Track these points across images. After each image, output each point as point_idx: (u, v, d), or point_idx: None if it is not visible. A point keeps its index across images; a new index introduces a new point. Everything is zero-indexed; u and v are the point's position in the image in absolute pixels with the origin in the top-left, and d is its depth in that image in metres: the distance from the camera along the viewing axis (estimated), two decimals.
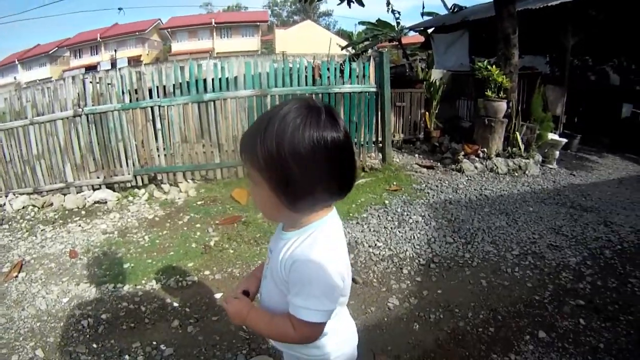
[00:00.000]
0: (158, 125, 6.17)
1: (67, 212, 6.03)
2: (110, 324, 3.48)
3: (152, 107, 6.04)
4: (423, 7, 15.68)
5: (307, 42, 35.69)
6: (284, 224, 1.29)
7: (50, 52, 46.72)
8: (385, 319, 3.00)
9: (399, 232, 4.51)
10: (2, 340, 3.43)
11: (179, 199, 5.98)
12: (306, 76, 6.30)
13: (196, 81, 6.04)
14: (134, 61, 38.18)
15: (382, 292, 3.32)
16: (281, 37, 43.05)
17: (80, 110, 6.05)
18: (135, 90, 6.13)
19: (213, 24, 44.95)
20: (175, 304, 3.61)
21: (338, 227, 1.25)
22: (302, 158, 1.04)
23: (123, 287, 3.98)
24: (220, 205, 5.62)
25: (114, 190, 6.28)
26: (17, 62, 47.88)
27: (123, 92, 6.02)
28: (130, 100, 6.05)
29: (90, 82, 6.12)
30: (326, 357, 1.39)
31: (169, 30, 46.35)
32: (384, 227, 4.64)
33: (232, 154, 6.34)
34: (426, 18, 14.65)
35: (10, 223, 5.97)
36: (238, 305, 1.35)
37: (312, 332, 1.21)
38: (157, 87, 6.02)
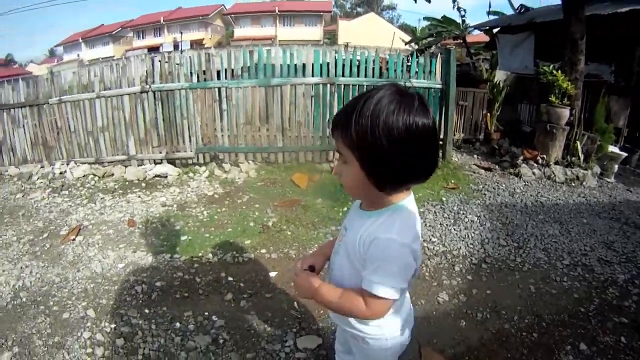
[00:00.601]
0: (224, 106, 6.34)
1: (127, 183, 6.30)
2: (164, 291, 3.54)
3: (219, 88, 6.28)
4: (489, 6, 15.15)
5: (370, 34, 35.46)
6: (364, 203, 1.38)
7: (114, 33, 49.77)
8: (434, 313, 3.08)
9: (454, 229, 4.52)
10: (55, 298, 3.58)
11: (239, 178, 6.09)
12: (373, 68, 6.21)
13: (264, 66, 6.20)
14: (197, 44, 39.69)
15: (433, 287, 3.40)
16: (344, 29, 42.93)
17: (148, 87, 6.35)
18: (204, 72, 6.35)
19: (276, 11, 45.33)
20: (230, 278, 3.63)
21: (415, 211, 1.32)
22: (394, 139, 1.10)
23: (179, 258, 4.05)
24: (280, 188, 5.67)
25: (174, 166, 6.51)
26: (80, 41, 51.39)
27: (191, 73, 6.30)
28: (198, 80, 6.32)
29: (159, 61, 6.43)
30: (383, 337, 1.47)
31: (232, 15, 47.54)
32: (440, 224, 4.64)
33: (294, 139, 6.40)
34: (492, 17, 14.16)
35: (70, 189, 6.30)
36: (308, 279, 1.43)
37: (383, 307, 1.28)
38: (225, 69, 6.27)
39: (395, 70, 6.34)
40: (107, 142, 6.75)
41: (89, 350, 2.92)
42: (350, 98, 5.75)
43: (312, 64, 6.15)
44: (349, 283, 1.37)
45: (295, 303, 3.20)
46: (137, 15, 48.30)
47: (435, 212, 4.90)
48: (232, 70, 6.27)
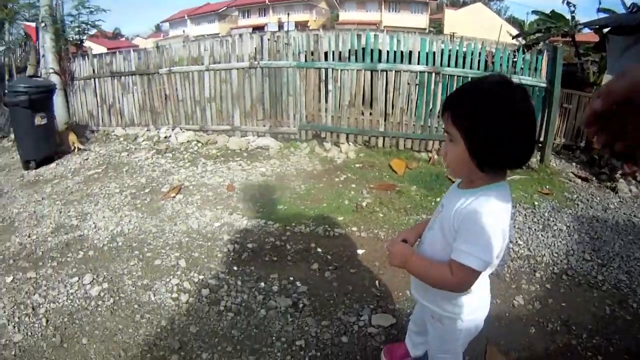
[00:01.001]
0: (330, 87, 6.52)
1: (229, 151, 6.71)
2: (254, 253, 3.75)
3: (326, 69, 6.50)
4: (599, 3, 13.90)
5: (476, 25, 33.96)
6: (463, 182, 1.47)
7: (220, 11, 52.60)
8: (507, 314, 3.05)
9: (541, 235, 4.31)
10: (150, 246, 3.96)
11: (338, 158, 6.22)
12: (479, 61, 6.02)
13: (371, 50, 6.30)
14: (301, 26, 40.48)
15: (511, 289, 3.35)
16: (450, 18, 41.42)
17: (257, 63, 6.75)
18: (312, 52, 6.59)
19: None
20: (319, 250, 3.75)
21: (508, 196, 1.39)
22: (500, 123, 1.22)
23: (273, 224, 4.26)
24: (377, 172, 5.69)
25: (276, 140, 6.84)
26: (186, 18, 55.05)
27: (299, 52, 6.61)
28: (306, 60, 6.59)
29: (268, 39, 6.78)
30: (460, 317, 1.57)
31: None
32: (528, 227, 4.43)
33: (396, 125, 6.37)
34: (602, 15, 12.98)
35: (173, 152, 6.87)
36: (402, 248, 1.56)
37: (467, 278, 1.36)
38: (333, 52, 6.47)
39: (500, 65, 6.10)
40: (213, 112, 7.28)
41: (175, 295, 3.19)
42: (455, 88, 5.74)
43: (419, 52, 6.11)
44: (439, 257, 1.47)
45: (377, 282, 3.25)
46: None
47: (525, 215, 4.71)
48: (340, 52, 6.40)
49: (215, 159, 6.36)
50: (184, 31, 51.33)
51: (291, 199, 4.88)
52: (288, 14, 42.23)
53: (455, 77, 6.06)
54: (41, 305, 3.12)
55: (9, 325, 2.90)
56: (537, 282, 3.47)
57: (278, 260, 3.62)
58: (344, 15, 46.58)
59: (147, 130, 8.01)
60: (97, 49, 43.91)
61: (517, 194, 5.11)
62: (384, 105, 6.33)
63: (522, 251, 3.95)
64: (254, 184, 5.36)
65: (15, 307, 3.11)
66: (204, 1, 56.10)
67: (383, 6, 45.06)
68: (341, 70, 6.36)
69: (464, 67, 6.06)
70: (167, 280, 3.37)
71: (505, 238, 1.37)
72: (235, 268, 3.51)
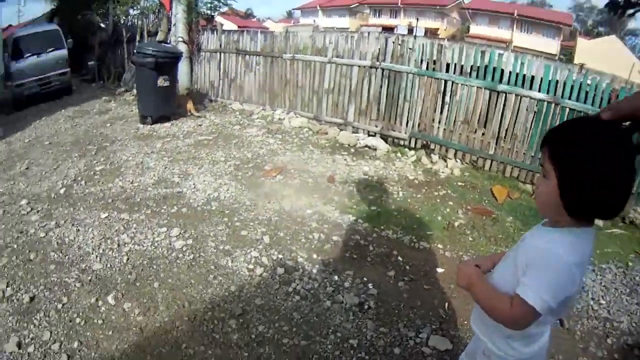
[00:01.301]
0: (447, 100, 6.50)
1: (337, 144, 7.01)
2: (337, 246, 3.98)
3: (445, 81, 6.48)
4: None
5: (607, 58, 31.37)
6: (548, 221, 1.42)
7: (352, 6, 52.65)
8: None
9: (626, 300, 3.93)
10: (240, 216, 4.39)
11: (442, 172, 6.20)
12: (602, 98, 5.60)
13: (493, 69, 6.14)
14: (431, 33, 39.85)
15: (578, 347, 3.13)
16: (582, 47, 38.15)
17: (378, 63, 6.92)
18: (434, 61, 6.59)
19: (515, 15, 42.70)
20: (400, 258, 3.86)
21: (589, 244, 1.34)
22: (600, 171, 1.16)
23: (362, 224, 4.42)
24: (477, 194, 5.57)
25: (385, 142, 6.98)
26: (318, 8, 55.90)
27: (422, 60, 6.66)
28: (427, 68, 6.63)
29: (393, 42, 6.92)
30: (510, 359, 1.53)
31: (470, 11, 46.08)
32: (615, 288, 4.05)
33: (506, 150, 6.15)
34: None
35: (283, 135, 7.30)
36: (471, 270, 1.56)
37: (525, 315, 1.32)
38: (455, 64, 6.40)
39: None
40: (329, 103, 7.66)
41: (251, 267, 3.54)
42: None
43: (541, 78, 5.85)
44: (505, 288, 1.45)
45: (446, 304, 3.28)
46: None
47: (615, 273, 4.33)
48: (462, 66, 6.34)
49: (323, 149, 6.68)
50: (314, 21, 52.69)
51: (386, 203, 5.01)
52: (417, 19, 41.76)
53: (575, 111, 5.70)
54: (126, 245, 3.75)
55: (92, 254, 3.58)
56: (606, 348, 3.26)
57: (357, 258, 3.79)
58: (475, 28, 45.12)
59: (263, 110, 8.65)
60: (228, 25, 46.84)
61: (612, 248, 4.74)
62: (497, 128, 6.19)
63: (601, 312, 3.70)
64: (354, 180, 5.55)
65: (102, 240, 3.80)
66: None
67: (515, 25, 43.17)
68: (461, 84, 6.32)
69: (585, 103, 5.70)
70: (248, 251, 3.74)
71: (574, 287, 1.32)
72: (314, 256, 3.77)
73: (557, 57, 35.24)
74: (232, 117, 8.41)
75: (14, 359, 2.50)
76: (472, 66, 6.28)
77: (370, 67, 6.95)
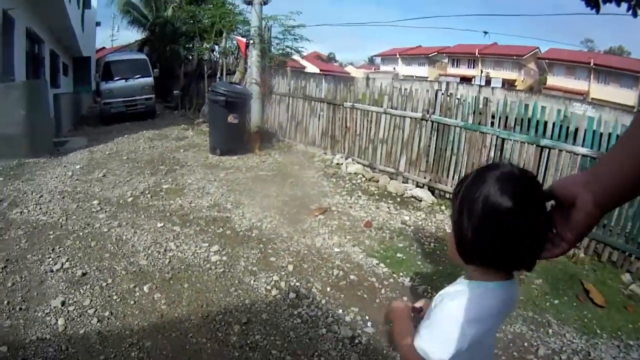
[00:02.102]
0: (492, 154, 6.53)
1: (386, 192, 7.29)
2: (352, 285, 4.26)
3: (491, 135, 6.53)
4: None
5: None
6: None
7: (430, 55, 54.28)
8: None
9: None
10: (274, 245, 4.91)
11: None
12: None
13: (537, 122, 6.08)
14: (508, 84, 39.17)
15: None
16: None
17: (428, 116, 7.20)
18: (480, 113, 6.67)
19: (591, 64, 40.63)
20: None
21: (495, 299, 1.28)
22: (476, 215, 1.15)
23: (383, 268, 4.67)
24: None
25: (432, 194, 7.14)
26: (398, 56, 57.97)
27: (468, 113, 6.79)
28: (473, 122, 6.74)
29: (442, 94, 7.23)
30: None
31: (547, 61, 44.93)
32: None
33: None
34: None
35: (337, 179, 7.76)
36: (401, 307, 1.58)
37: (410, 357, 1.31)
38: (500, 117, 6.48)
39: None
40: (383, 152, 8.04)
41: (269, 287, 4.01)
42: None
43: (585, 130, 5.60)
44: None
45: None
46: (453, 43, 51.91)
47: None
48: (506, 118, 6.36)
49: (370, 196, 6.98)
50: (394, 68, 54.22)
51: (414, 252, 5.16)
52: (488, 70, 41.25)
53: None
54: (171, 250, 4.53)
55: (141, 252, 4.41)
56: None
57: (367, 299, 4.05)
58: (552, 79, 43.53)
59: (324, 153, 9.22)
60: (310, 68, 48.54)
61: (623, 324, 4.18)
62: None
63: None
64: (390, 228, 5.77)
65: (153, 243, 4.64)
66: (417, 43, 58.52)
67: (592, 75, 41.12)
68: (504, 139, 6.35)
69: None
70: (271, 275, 4.22)
71: (465, 343, 1.23)
72: (328, 289, 4.11)
73: (635, 109, 32.77)
74: (294, 157, 9.06)
75: (56, 312, 3.32)
76: (515, 119, 6.24)
77: (421, 119, 7.22)
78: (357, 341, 3.37)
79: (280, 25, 11.90)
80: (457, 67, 50.11)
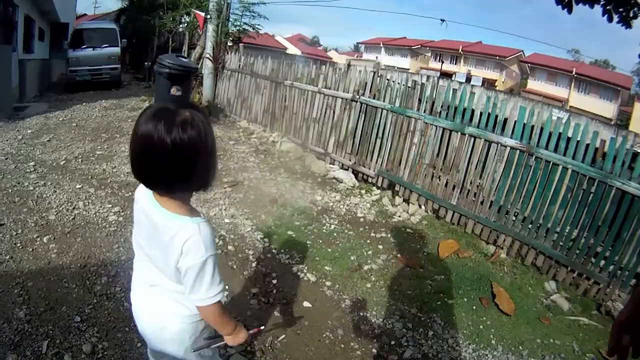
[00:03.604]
0: (415, 140, 6.02)
1: (309, 172, 6.83)
2: (227, 255, 3.93)
3: (415, 120, 5.94)
4: None
5: None
6: None
7: (414, 48, 52.77)
8: None
9: None
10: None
11: (398, 216, 5.72)
12: (586, 151, 4.48)
13: (463, 109, 5.50)
14: (488, 84, 38.86)
15: None
16: None
17: (358, 97, 6.70)
18: (408, 96, 6.09)
19: (573, 73, 40.49)
20: (274, 281, 3.70)
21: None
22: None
23: (267, 243, 4.33)
24: (420, 245, 5.02)
25: (356, 178, 6.70)
26: (381, 46, 56.19)
27: (396, 96, 6.21)
28: (400, 105, 6.17)
29: (373, 74, 6.62)
30: None
31: (529, 65, 44.76)
32: None
33: (470, 203, 5.37)
34: None
35: (266, 156, 7.32)
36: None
37: None
38: (426, 102, 5.85)
39: (613, 161, 4.33)
40: (315, 132, 7.55)
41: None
42: (551, 180, 4.50)
43: (515, 122, 5.04)
44: None
45: (281, 337, 3.02)
46: (437, 38, 50.21)
47: None
48: (432, 103, 5.76)
49: (292, 174, 6.55)
50: (376, 57, 52.99)
51: (307, 232, 4.77)
52: (467, 68, 40.92)
53: (552, 164, 4.73)
54: (78, 209, 4.25)
55: (54, 209, 4.40)
56: None
57: (236, 270, 3.75)
58: (532, 83, 43.43)
59: (263, 131, 8.74)
60: (293, 50, 47.70)
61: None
62: (462, 176, 5.52)
63: None
64: (295, 206, 5.36)
65: (66, 202, 4.64)
66: (402, 34, 57.55)
67: (573, 84, 40.88)
68: (429, 124, 5.80)
69: (565, 155, 4.69)
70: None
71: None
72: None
73: (612, 122, 32.39)
74: (234, 132, 8.60)
75: None
76: (442, 105, 5.66)
77: (351, 100, 6.73)
78: None
79: (239, 1, 11.24)
80: (439, 61, 48.47)
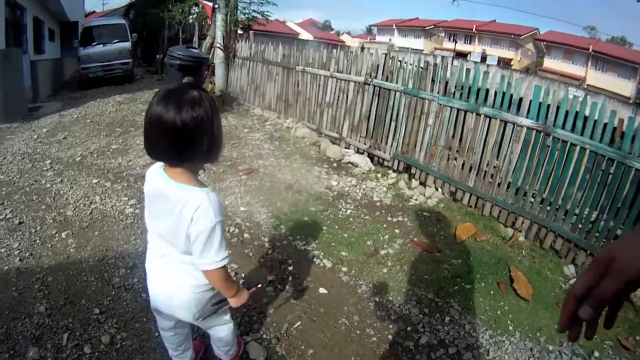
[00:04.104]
0: (430, 122, 5.87)
1: (324, 157, 6.78)
2: (243, 243, 3.95)
3: (429, 101, 5.78)
4: None
5: None
6: None
7: (427, 28, 51.61)
8: None
9: None
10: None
11: (415, 199, 5.64)
12: (604, 130, 4.29)
13: (477, 90, 5.31)
14: (504, 63, 37.94)
15: None
16: None
17: (370, 80, 6.55)
18: (421, 77, 5.95)
19: (590, 50, 39.10)
20: (290, 268, 3.68)
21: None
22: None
23: (282, 230, 4.31)
24: (438, 228, 4.93)
25: (371, 161, 6.62)
26: (394, 27, 55.05)
27: (409, 77, 6.06)
28: (413, 87, 6.02)
29: (385, 56, 6.47)
30: None
31: (545, 43, 43.28)
32: None
33: (487, 184, 5.23)
34: None
35: (281, 142, 7.25)
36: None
37: None
38: (440, 82, 5.70)
39: (632, 141, 4.11)
40: (329, 117, 7.46)
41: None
42: (569, 161, 4.36)
43: (530, 101, 4.87)
44: None
45: (297, 324, 3.00)
46: (452, 17, 49.41)
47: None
48: (446, 84, 5.62)
49: (307, 160, 6.51)
50: (389, 39, 52.39)
51: (324, 217, 4.73)
52: (481, 47, 39.98)
53: (569, 144, 4.54)
54: (95, 203, 4.42)
55: (71, 204, 4.27)
56: None
57: (251, 257, 3.77)
58: (549, 62, 42.09)
59: (277, 117, 8.68)
60: (305, 35, 47.33)
61: (548, 323, 3.45)
62: (479, 157, 5.37)
63: None
64: (311, 192, 5.33)
65: (83, 197, 4.57)
66: (415, 15, 56.44)
67: (590, 62, 39.63)
68: (443, 105, 5.65)
69: (582, 134, 4.49)
70: None
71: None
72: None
73: (631, 101, 31.33)
74: (248, 120, 8.55)
75: None
76: (456, 85, 5.51)
77: (364, 84, 6.60)
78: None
79: None
80: (453, 41, 47.51)
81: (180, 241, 1.57)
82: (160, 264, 1.74)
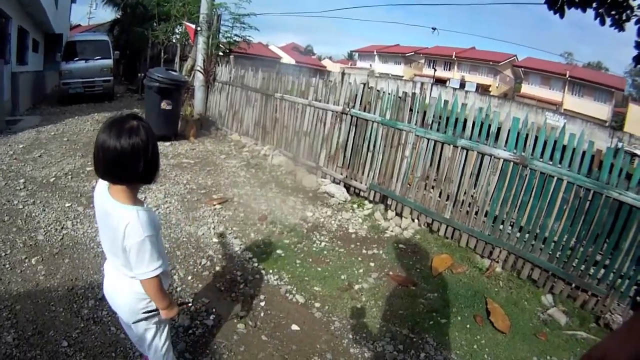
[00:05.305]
0: (406, 153, 5.94)
1: (300, 187, 6.78)
2: (215, 276, 3.91)
3: (407, 132, 5.85)
4: None
5: None
6: None
7: (407, 55, 53.08)
8: None
9: None
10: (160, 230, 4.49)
11: (391, 231, 5.64)
12: (582, 161, 4.36)
13: (455, 120, 5.38)
14: (482, 89, 39.12)
15: None
16: (635, 114, 34.92)
17: (348, 110, 6.63)
18: (398, 108, 6.02)
19: (567, 76, 40.74)
20: (262, 304, 3.62)
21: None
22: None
23: (255, 263, 4.26)
24: (413, 261, 4.92)
25: (348, 191, 6.61)
26: (375, 53, 56.35)
27: (387, 108, 6.13)
28: (391, 118, 6.09)
29: (364, 86, 6.58)
30: None
31: (523, 69, 45.00)
32: None
33: (464, 215, 5.30)
34: None
35: (257, 170, 7.25)
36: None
37: None
38: (417, 113, 5.75)
39: (610, 172, 4.25)
40: (306, 145, 7.48)
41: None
42: (546, 192, 4.42)
43: (508, 131, 4.96)
44: None
45: None
46: (431, 44, 50.37)
47: None
48: (424, 115, 5.69)
49: (283, 189, 6.49)
50: (370, 65, 53.45)
51: (298, 250, 4.71)
52: (460, 74, 40.98)
53: (547, 176, 4.61)
54: (66, 229, 4.31)
55: (42, 228, 4.12)
56: None
57: (223, 292, 3.68)
58: (527, 87, 43.74)
59: (255, 144, 8.71)
60: (287, 59, 47.75)
61: (526, 355, 3.54)
62: (456, 188, 5.45)
63: None
64: (285, 223, 5.31)
65: (54, 221, 4.55)
66: (396, 41, 57.90)
67: (567, 87, 40.94)
68: (421, 137, 5.72)
69: (560, 164, 4.57)
70: None
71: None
72: (189, 278, 3.83)
73: (607, 124, 32.39)
74: (225, 146, 8.55)
75: None
76: (433, 116, 5.56)
77: (342, 113, 6.67)
78: (190, 331, 3.13)
79: (229, 13, 11.28)
80: (433, 68, 48.52)
81: (120, 253, 1.79)
82: (109, 270, 2.02)
